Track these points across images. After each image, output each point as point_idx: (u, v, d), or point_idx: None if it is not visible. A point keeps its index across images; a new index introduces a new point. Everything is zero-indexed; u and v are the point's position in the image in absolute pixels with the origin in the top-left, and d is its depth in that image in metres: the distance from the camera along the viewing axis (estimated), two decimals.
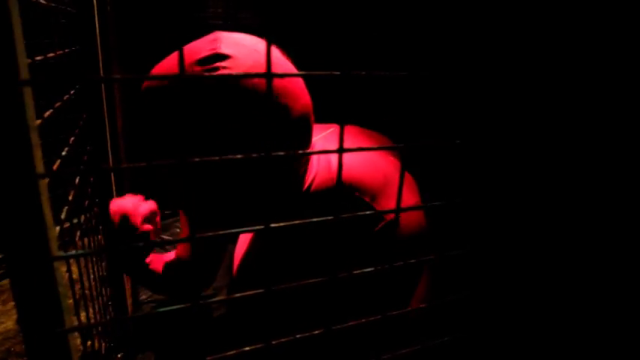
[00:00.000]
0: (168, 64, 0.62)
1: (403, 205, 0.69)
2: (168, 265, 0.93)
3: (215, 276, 0.98)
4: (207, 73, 0.56)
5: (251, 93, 0.58)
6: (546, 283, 0.69)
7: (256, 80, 0.58)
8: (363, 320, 0.43)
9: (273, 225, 0.32)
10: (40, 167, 0.29)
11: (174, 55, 0.63)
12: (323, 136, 0.81)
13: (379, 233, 0.67)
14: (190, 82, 0.55)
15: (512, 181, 0.67)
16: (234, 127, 0.58)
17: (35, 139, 0.29)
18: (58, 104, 0.57)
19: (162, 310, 0.33)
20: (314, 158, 0.74)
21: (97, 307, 0.84)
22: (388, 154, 0.76)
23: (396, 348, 0.71)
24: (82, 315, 1.45)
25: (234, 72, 0.57)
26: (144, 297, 1.21)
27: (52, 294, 0.31)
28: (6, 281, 1.63)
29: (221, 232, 0.32)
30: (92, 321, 0.72)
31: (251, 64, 0.59)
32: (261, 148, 0.59)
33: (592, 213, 0.63)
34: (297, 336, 0.39)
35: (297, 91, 0.63)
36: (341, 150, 0.33)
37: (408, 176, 0.76)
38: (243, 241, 1.01)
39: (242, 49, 0.60)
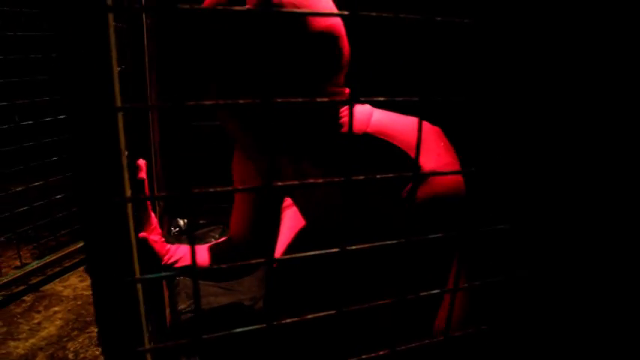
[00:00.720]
0: None
1: (441, 164, 0.66)
2: (216, 247, 1.01)
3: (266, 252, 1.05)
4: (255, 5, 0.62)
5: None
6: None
7: None
8: (427, 341, 0.43)
9: (350, 247, 0.32)
10: (127, 190, 0.30)
11: None
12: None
13: (415, 187, 0.66)
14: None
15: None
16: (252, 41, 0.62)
17: (124, 161, 0.30)
18: None
19: (238, 330, 0.33)
20: (356, 111, 0.75)
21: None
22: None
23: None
24: None
25: None
26: (182, 306, 1.22)
27: (135, 314, 0.31)
28: (48, 286, 1.68)
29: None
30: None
31: None
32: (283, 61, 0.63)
33: None
34: (364, 357, 0.39)
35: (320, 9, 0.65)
36: (415, 176, 0.33)
37: (446, 142, 0.73)
38: (283, 241, 1.03)
39: None
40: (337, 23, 0.67)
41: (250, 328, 0.33)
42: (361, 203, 0.72)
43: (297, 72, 0.64)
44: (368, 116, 0.73)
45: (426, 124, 0.72)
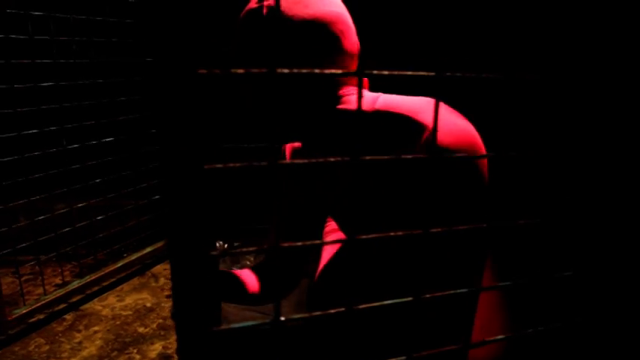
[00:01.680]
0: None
1: (449, 123, 0.66)
2: (259, 269, 1.02)
3: (306, 263, 1.06)
4: (259, 4, 0.70)
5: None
6: None
7: None
8: None
9: (425, 296, 0.32)
10: (209, 243, 0.31)
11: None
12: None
13: (426, 143, 0.65)
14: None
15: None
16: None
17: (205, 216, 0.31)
18: None
19: None
20: (365, 94, 0.77)
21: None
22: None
23: None
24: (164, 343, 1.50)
25: None
26: None
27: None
28: (87, 305, 1.72)
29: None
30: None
31: None
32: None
33: None
34: None
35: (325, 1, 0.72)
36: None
37: (454, 110, 0.72)
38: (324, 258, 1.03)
39: None
40: (326, 13, 0.72)
41: None
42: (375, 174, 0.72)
43: (289, 55, 0.71)
44: (375, 98, 0.76)
45: (431, 100, 0.73)
